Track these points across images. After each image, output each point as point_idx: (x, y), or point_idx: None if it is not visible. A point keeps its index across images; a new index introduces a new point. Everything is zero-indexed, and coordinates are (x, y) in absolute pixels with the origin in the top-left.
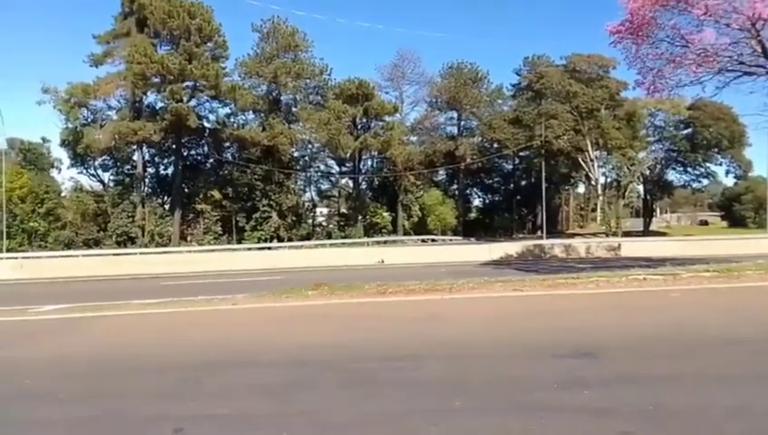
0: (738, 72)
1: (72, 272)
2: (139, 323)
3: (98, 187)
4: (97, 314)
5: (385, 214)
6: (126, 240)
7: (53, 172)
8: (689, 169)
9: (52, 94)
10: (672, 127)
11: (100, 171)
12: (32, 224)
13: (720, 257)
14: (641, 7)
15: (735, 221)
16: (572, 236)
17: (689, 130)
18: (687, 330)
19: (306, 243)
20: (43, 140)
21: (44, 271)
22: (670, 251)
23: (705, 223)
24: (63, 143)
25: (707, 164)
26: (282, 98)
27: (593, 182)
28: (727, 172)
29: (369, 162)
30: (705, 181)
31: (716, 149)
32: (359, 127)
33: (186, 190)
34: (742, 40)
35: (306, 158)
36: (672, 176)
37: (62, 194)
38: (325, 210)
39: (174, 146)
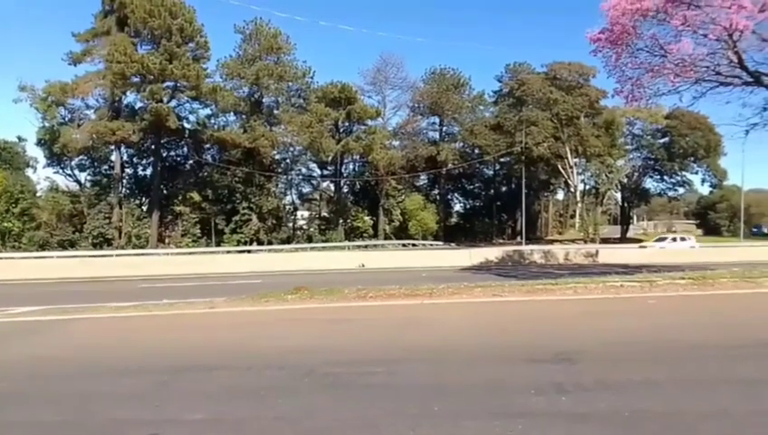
0: (715, 82)
1: (47, 273)
2: (115, 325)
3: (74, 187)
4: (71, 317)
5: (366, 218)
6: (102, 242)
7: (29, 172)
8: (666, 178)
9: (30, 92)
10: (649, 135)
11: (76, 171)
12: (5, 224)
13: (695, 265)
14: (621, 16)
15: (710, 229)
16: (551, 242)
17: (666, 138)
18: (664, 336)
19: (286, 246)
20: (19, 138)
21: (18, 272)
22: (647, 258)
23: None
24: (40, 142)
25: (684, 173)
26: (263, 100)
27: (572, 189)
28: (703, 181)
29: (351, 166)
30: (682, 190)
31: (692, 158)
32: (341, 130)
33: (164, 192)
34: (719, 51)
35: (287, 160)
36: (649, 184)
37: (38, 194)
38: (306, 214)
39: (153, 147)
